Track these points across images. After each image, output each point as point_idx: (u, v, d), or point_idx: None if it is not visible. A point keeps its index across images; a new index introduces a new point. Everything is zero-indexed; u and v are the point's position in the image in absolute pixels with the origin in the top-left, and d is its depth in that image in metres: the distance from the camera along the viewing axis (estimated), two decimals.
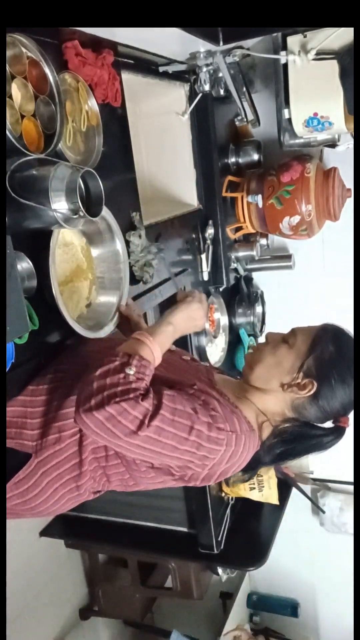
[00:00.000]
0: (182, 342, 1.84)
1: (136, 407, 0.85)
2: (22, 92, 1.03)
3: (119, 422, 0.84)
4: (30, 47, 1.03)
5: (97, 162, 1.25)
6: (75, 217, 0.96)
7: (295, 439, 1.07)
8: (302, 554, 2.88)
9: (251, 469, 1.09)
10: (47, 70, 1.05)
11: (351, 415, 1.08)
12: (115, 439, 0.86)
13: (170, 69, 1.66)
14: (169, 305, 1.77)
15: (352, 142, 2.02)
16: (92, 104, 1.25)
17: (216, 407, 0.96)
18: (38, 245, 1.05)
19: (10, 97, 1.00)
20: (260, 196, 2.07)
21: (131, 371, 0.88)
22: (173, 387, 0.96)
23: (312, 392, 1.03)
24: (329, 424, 1.08)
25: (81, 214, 0.96)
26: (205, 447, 0.91)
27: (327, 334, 1.06)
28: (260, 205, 2.08)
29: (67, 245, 1.22)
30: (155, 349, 0.95)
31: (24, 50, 1.02)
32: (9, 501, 1.02)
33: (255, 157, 2.18)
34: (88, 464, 1.00)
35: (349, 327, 1.11)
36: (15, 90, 1.02)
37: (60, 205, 0.95)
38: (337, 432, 1.07)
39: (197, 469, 0.95)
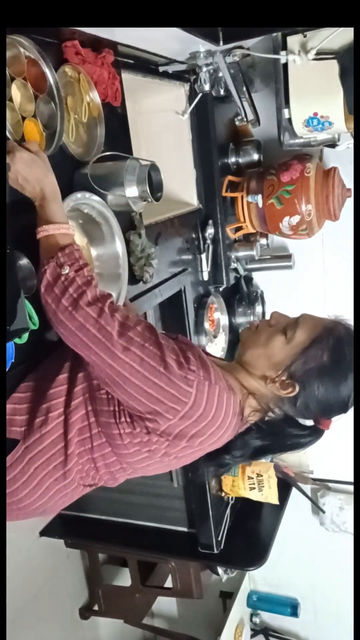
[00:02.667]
0: None
1: (102, 316, 0.91)
2: (21, 92, 1.03)
3: (102, 326, 0.91)
4: (28, 47, 1.02)
5: (99, 153, 1.25)
6: (143, 202, 1.20)
7: (272, 434, 1.04)
8: (302, 554, 2.88)
9: (225, 464, 1.07)
10: (45, 69, 1.05)
11: (336, 418, 1.03)
12: (93, 340, 0.91)
13: (170, 68, 1.66)
14: (168, 305, 1.78)
15: (352, 142, 2.02)
16: (93, 95, 1.24)
17: (194, 354, 0.94)
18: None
19: (11, 99, 1.00)
20: (260, 196, 2.06)
21: (65, 270, 0.92)
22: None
23: (291, 395, 1.00)
24: (310, 422, 1.05)
25: (149, 199, 1.19)
26: (175, 384, 0.89)
27: (329, 338, 1.00)
28: (260, 205, 2.08)
29: None
30: (57, 228, 0.97)
31: (22, 50, 1.02)
32: None
33: (255, 156, 2.18)
34: (75, 446, 0.97)
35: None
36: (15, 91, 1.02)
37: (132, 192, 1.18)
38: (316, 434, 1.04)
39: (168, 415, 0.90)
